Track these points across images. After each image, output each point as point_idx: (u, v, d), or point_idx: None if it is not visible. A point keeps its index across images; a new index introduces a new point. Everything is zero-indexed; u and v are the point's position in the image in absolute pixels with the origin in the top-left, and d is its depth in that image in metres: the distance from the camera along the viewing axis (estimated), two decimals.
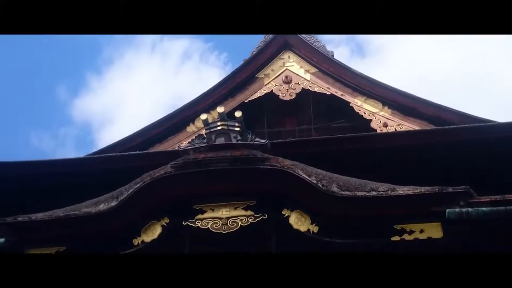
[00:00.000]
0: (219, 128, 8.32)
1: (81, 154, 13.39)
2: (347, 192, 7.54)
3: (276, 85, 12.70)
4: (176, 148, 9.63)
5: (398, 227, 7.42)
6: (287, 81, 12.70)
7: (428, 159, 10.07)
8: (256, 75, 12.85)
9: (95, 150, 12.62)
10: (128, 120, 34.07)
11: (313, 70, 12.76)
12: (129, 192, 7.91)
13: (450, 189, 7.35)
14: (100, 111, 40.05)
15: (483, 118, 11.20)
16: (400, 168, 10.04)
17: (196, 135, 10.40)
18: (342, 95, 12.44)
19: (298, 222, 7.70)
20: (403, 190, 7.49)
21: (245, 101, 12.54)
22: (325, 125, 12.65)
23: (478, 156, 9.76)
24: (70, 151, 34.46)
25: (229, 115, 8.85)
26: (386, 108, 12.21)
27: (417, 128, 11.74)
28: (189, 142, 8.39)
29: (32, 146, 33.29)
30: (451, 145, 9.94)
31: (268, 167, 7.79)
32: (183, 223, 7.88)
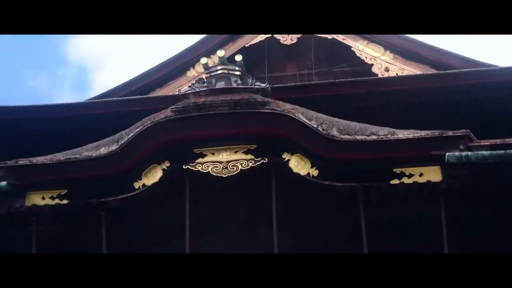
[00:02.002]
0: (219, 72, 8.27)
1: (78, 95, 13.44)
2: (347, 136, 7.54)
3: None
4: (177, 92, 9.59)
5: (398, 170, 7.44)
6: None
7: (429, 103, 10.06)
8: None
9: (91, 91, 12.69)
10: (125, 60, 33.73)
11: None
12: (129, 136, 7.92)
13: (450, 133, 7.36)
14: (96, 51, 39.47)
15: (485, 63, 11.12)
16: (401, 112, 10.07)
17: (197, 79, 10.34)
18: (343, 39, 12.34)
19: (298, 165, 7.72)
20: (403, 134, 7.49)
21: (246, 46, 12.44)
22: (326, 70, 12.59)
23: (479, 101, 9.74)
24: (66, 92, 34.29)
25: (230, 59, 8.78)
26: (388, 52, 12.13)
27: (419, 72, 11.67)
28: (189, 86, 8.36)
29: (27, 87, 33.00)
30: (453, 89, 9.92)
31: (269, 111, 7.77)
32: (183, 167, 7.90)
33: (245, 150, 7.85)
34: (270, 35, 12.50)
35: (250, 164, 7.80)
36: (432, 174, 7.37)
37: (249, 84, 8.09)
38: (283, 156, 7.78)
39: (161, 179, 7.93)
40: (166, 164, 7.98)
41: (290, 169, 7.71)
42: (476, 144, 7.32)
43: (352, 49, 12.23)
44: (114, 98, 11.49)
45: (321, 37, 12.41)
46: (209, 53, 12.04)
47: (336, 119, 7.81)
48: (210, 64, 8.66)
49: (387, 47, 12.11)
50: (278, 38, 12.53)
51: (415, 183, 7.37)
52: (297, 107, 7.88)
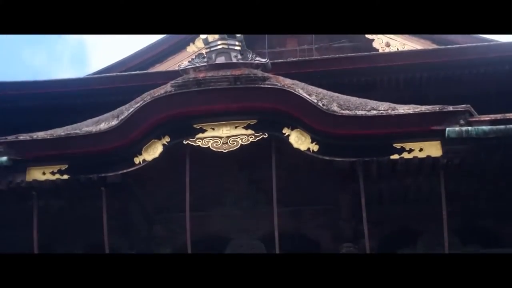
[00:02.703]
0: (219, 47, 8.23)
1: (76, 70, 13.41)
2: (347, 111, 7.53)
3: None
4: (177, 67, 9.56)
5: (398, 145, 7.44)
6: None
7: (430, 78, 10.04)
8: None
9: (89, 66, 12.64)
10: (124, 35, 33.50)
11: None
12: (129, 111, 7.90)
13: (450, 108, 7.34)
14: None
15: (486, 38, 11.07)
16: (402, 88, 10.05)
17: (197, 54, 10.30)
18: None
19: (298, 141, 7.71)
20: (403, 109, 7.47)
21: None
22: (326, 45, 12.53)
23: (480, 76, 9.72)
24: (64, 68, 34.10)
25: (230, 34, 8.73)
26: None
27: (420, 47, 11.63)
28: (189, 62, 8.31)
29: (26, 62, 32.81)
30: (453, 64, 9.89)
31: (269, 86, 7.75)
32: (183, 142, 7.90)
33: (245, 125, 7.84)
34: None
35: (250, 139, 7.79)
36: (432, 149, 7.37)
37: (249, 59, 8.05)
38: (283, 131, 7.77)
39: (161, 154, 7.93)
40: (166, 139, 7.98)
41: (290, 144, 7.70)
42: (477, 119, 7.31)
43: None
44: (114, 74, 11.46)
45: None
46: None
47: (336, 94, 7.79)
48: (210, 39, 8.60)
49: None
50: None
51: (415, 158, 7.37)
52: (297, 82, 7.86)
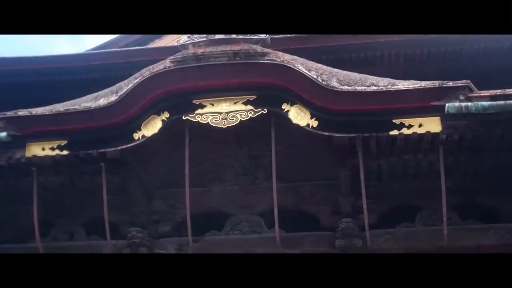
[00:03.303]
0: None
1: (74, 46, 13.35)
2: (347, 87, 7.51)
3: None
4: (176, 43, 9.52)
5: (397, 121, 7.42)
6: None
7: (430, 54, 10.01)
8: None
9: (87, 42, 12.58)
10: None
11: None
12: (128, 87, 7.89)
13: (450, 83, 7.32)
14: None
15: None
16: (401, 63, 10.01)
17: None
18: None
19: (298, 116, 7.69)
20: (403, 85, 7.45)
21: None
22: None
23: (480, 51, 9.68)
24: (62, 43, 33.84)
25: None
26: None
27: None
28: (188, 37, 8.27)
29: (21, 38, 32.46)
30: (453, 40, 9.84)
31: (268, 61, 7.72)
32: (183, 118, 7.90)
33: (244, 101, 7.82)
34: None
35: (250, 115, 7.78)
36: (432, 125, 7.35)
37: (249, 35, 8.01)
38: (282, 107, 7.75)
39: (160, 130, 7.93)
40: (166, 115, 7.97)
41: (289, 120, 7.69)
42: (476, 94, 7.29)
43: None
44: (113, 49, 11.42)
45: None
46: None
47: (336, 69, 7.76)
48: None
49: None
50: None
51: (414, 133, 7.35)
52: (297, 57, 7.83)
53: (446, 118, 7.30)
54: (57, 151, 7.95)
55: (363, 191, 7.79)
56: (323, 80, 7.54)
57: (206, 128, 7.87)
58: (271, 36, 8.31)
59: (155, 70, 7.90)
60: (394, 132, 7.40)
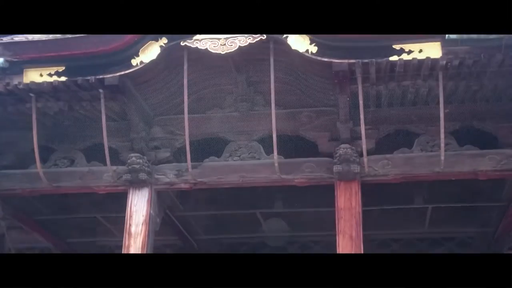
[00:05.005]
0: None
1: None
2: None
3: None
4: None
5: (397, 47, 7.36)
6: None
7: None
8: None
9: None
10: None
11: None
12: None
13: None
14: None
15: None
16: None
17: None
18: None
19: (297, 42, 7.61)
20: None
21: None
22: None
23: None
24: None
25: None
26: None
27: None
28: None
29: None
30: None
31: None
32: (181, 44, 7.83)
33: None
34: None
35: (249, 41, 7.70)
36: (432, 50, 7.30)
37: None
38: None
39: (159, 56, 7.86)
40: (164, 40, 7.89)
41: (288, 46, 7.63)
42: None
43: None
44: None
45: None
46: None
47: None
48: None
49: None
50: None
51: (414, 59, 7.30)
52: None
53: (446, 43, 7.25)
54: (55, 77, 7.91)
55: (362, 117, 7.81)
56: None
57: (205, 54, 7.82)
58: None
59: None
60: (394, 58, 7.35)
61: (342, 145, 8.26)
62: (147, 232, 8.46)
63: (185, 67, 7.93)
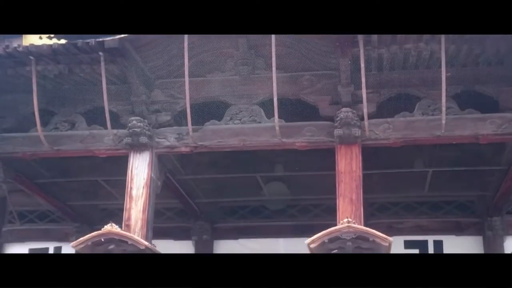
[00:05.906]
0: None
1: None
2: None
3: None
4: None
5: None
6: None
7: None
8: None
9: None
10: None
11: None
12: None
13: None
14: None
15: None
16: None
17: None
18: None
19: None
20: None
21: None
22: None
23: None
24: None
25: None
26: None
27: None
28: None
29: None
30: None
31: None
32: None
33: None
34: None
35: None
36: None
37: None
38: None
39: None
40: None
41: None
42: None
43: None
44: None
45: None
46: None
47: None
48: None
49: None
50: None
51: None
52: None
53: None
54: (54, 40, 7.87)
55: (363, 80, 7.78)
56: None
57: None
58: None
59: None
60: None
61: (343, 109, 8.24)
62: (148, 195, 8.51)
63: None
